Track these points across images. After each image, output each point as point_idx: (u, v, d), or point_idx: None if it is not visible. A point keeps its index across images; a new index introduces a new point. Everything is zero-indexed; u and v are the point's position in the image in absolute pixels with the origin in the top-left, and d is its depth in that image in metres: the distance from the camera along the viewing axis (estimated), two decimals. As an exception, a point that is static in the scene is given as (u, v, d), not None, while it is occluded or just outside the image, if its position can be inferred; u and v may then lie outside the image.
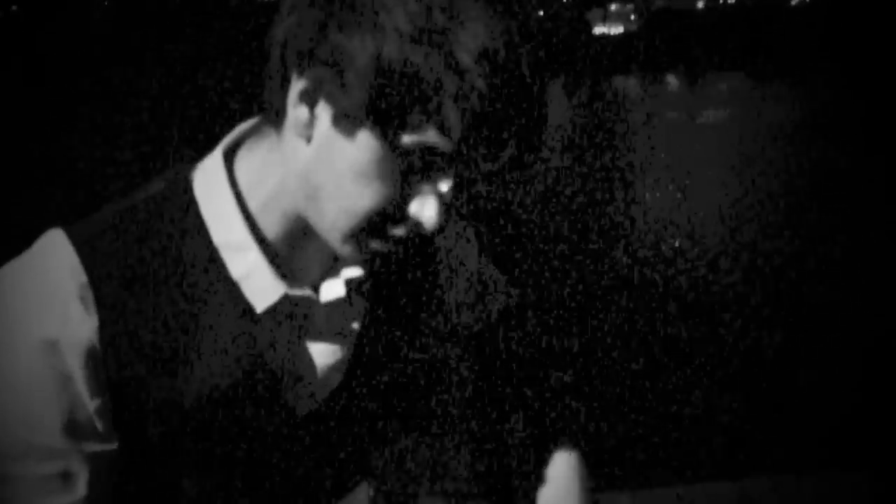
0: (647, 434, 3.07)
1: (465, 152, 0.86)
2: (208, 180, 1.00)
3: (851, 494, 3.19)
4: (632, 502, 3.04)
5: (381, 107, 0.85)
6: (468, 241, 1.25)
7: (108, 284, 0.95)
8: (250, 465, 1.04)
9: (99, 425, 0.96)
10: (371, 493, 1.08)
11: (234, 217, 0.99)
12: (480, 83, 0.83)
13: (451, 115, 0.84)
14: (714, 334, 3.31)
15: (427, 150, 0.87)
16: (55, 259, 0.95)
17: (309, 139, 0.91)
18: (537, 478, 1.25)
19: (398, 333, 1.13)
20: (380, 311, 1.11)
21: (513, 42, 0.84)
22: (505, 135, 0.86)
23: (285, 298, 1.01)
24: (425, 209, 0.92)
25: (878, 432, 3.09)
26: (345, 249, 0.96)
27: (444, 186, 0.91)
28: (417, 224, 0.97)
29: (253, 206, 1.00)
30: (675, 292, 3.34)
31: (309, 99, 0.89)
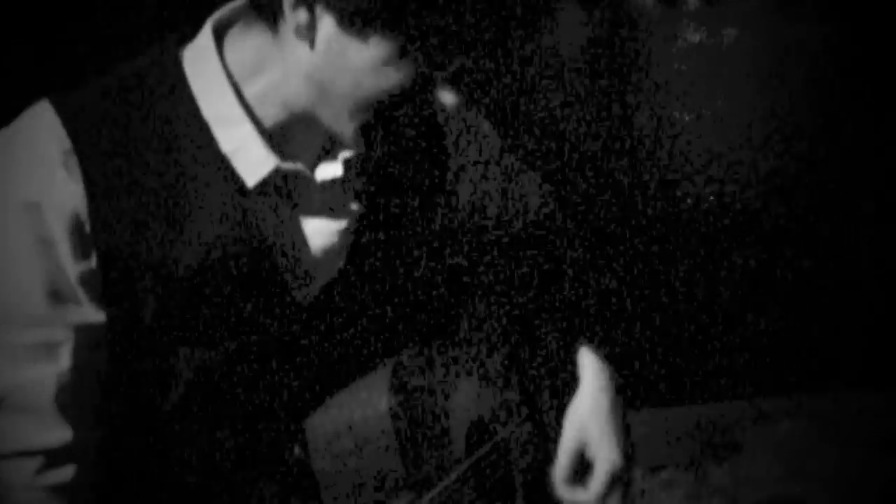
0: (664, 353, 3.17)
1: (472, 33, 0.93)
2: (198, 56, 1.01)
3: (865, 413, 3.28)
4: (650, 419, 3.17)
5: (391, 5, 0.89)
6: (481, 140, 1.25)
7: (93, 153, 0.96)
8: (246, 343, 1.04)
9: (83, 294, 0.97)
10: (389, 394, 1.07)
11: (226, 93, 0.99)
12: None
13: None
14: (738, 254, 3.35)
15: (440, 37, 0.92)
16: (40, 128, 0.96)
17: (312, 42, 0.93)
18: (566, 383, 1.23)
19: (401, 219, 1.13)
20: (381, 193, 1.10)
21: None
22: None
23: (277, 172, 1.01)
24: (442, 95, 0.98)
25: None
26: (351, 138, 1.00)
27: (456, 71, 0.96)
28: (431, 110, 1.04)
29: (248, 93, 1.00)
30: (699, 213, 3.37)
31: (306, 2, 0.91)
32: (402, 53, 0.92)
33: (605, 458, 1.16)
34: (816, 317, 3.27)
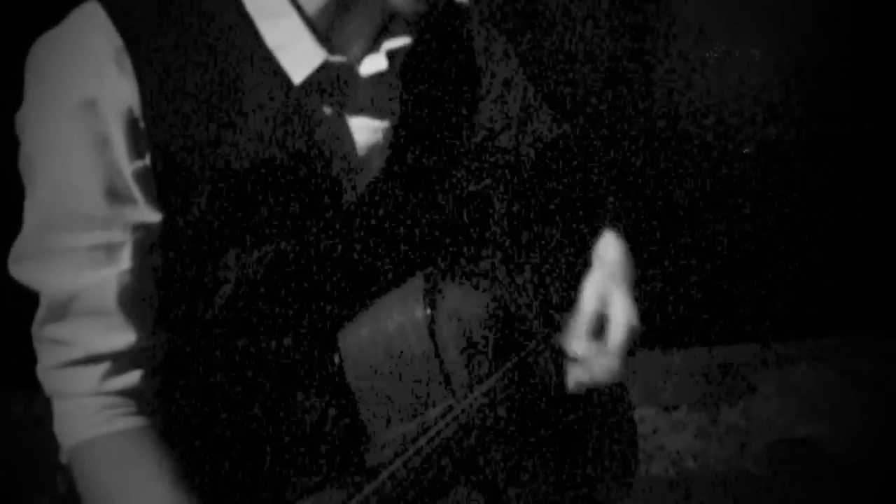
0: (679, 294, 3.17)
1: None
2: None
3: (880, 356, 3.28)
4: (664, 359, 3.19)
5: None
6: (507, 56, 1.26)
7: (143, 50, 0.95)
8: (291, 244, 1.04)
9: (140, 193, 0.97)
10: (428, 310, 1.06)
11: None
12: None
13: None
14: (755, 196, 3.35)
15: None
16: (91, 26, 0.95)
17: None
18: (581, 267, 1.26)
19: (439, 122, 1.13)
20: (420, 94, 1.11)
21: None
22: None
23: (325, 65, 1.00)
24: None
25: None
26: (406, 4, 0.97)
27: None
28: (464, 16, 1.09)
29: None
30: (719, 152, 3.36)
31: None
32: None
33: (624, 316, 1.19)
34: (832, 261, 3.26)
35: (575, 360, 1.19)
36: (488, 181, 1.28)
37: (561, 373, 1.21)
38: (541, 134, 1.35)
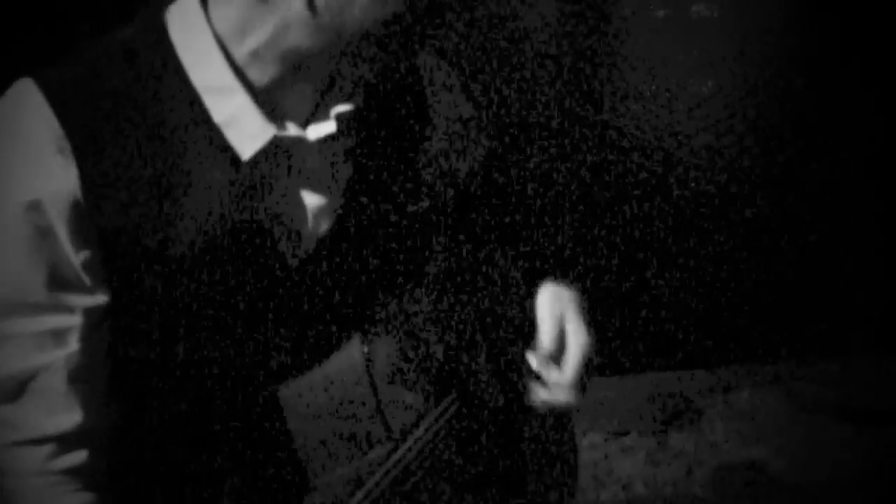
0: (628, 322, 3.25)
1: None
2: (184, 20, 0.96)
3: (822, 381, 3.39)
4: (614, 386, 3.24)
5: None
6: (452, 88, 1.26)
7: (84, 133, 0.92)
8: (244, 316, 1.03)
9: (86, 279, 0.95)
10: (365, 348, 1.06)
11: (217, 60, 0.95)
12: None
13: None
14: (699, 227, 3.44)
15: None
16: (27, 111, 0.92)
17: None
18: (529, 308, 1.26)
19: (387, 176, 1.11)
20: (369, 150, 1.09)
21: None
22: None
23: (274, 141, 0.97)
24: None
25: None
26: (352, 80, 0.99)
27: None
28: (414, 67, 1.09)
29: (238, 54, 0.96)
30: (662, 186, 3.44)
31: None
32: None
33: (581, 341, 1.20)
34: (774, 289, 3.37)
35: (537, 380, 1.19)
36: (425, 203, 1.24)
37: (510, 398, 1.22)
38: (479, 157, 1.33)
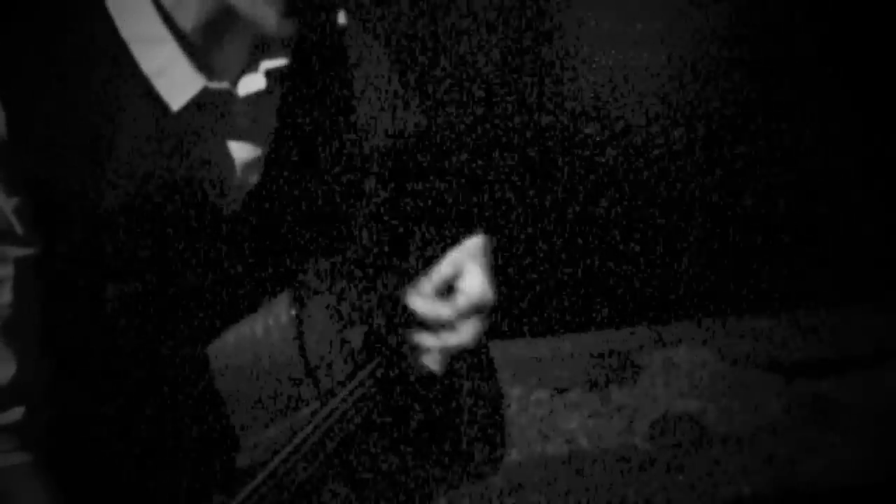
0: (570, 282, 3.33)
1: None
2: None
3: (753, 336, 3.54)
4: (558, 344, 3.35)
5: None
6: (380, 63, 1.27)
7: (11, 82, 0.92)
8: (172, 268, 1.03)
9: (17, 227, 0.94)
10: (294, 308, 1.05)
11: (147, 8, 0.95)
12: None
13: None
14: (635, 188, 3.55)
15: None
16: None
17: None
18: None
19: (312, 136, 1.12)
20: (296, 109, 1.10)
21: None
22: None
23: (205, 92, 0.98)
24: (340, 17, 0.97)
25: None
26: (273, 26, 0.97)
27: None
28: (336, 30, 1.08)
29: (168, 3, 0.96)
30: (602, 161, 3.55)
31: None
32: None
33: (476, 284, 1.16)
34: (707, 249, 3.50)
35: (422, 321, 1.16)
36: (354, 175, 1.24)
37: (418, 357, 1.19)
38: (406, 128, 1.33)
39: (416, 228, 1.31)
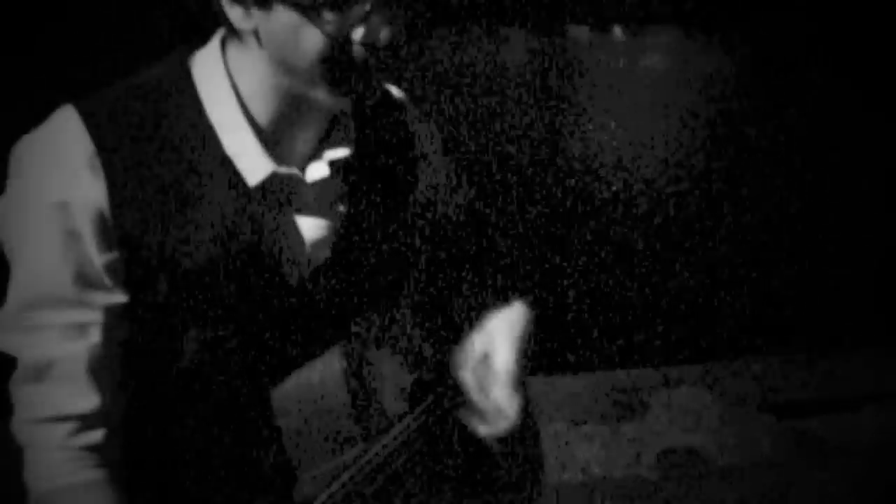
0: (585, 327, 3.56)
1: None
2: (206, 65, 1.06)
3: (748, 378, 3.72)
4: (575, 382, 3.51)
5: None
6: (432, 138, 1.31)
7: (114, 153, 0.99)
8: (244, 323, 1.08)
9: (108, 280, 1.01)
10: (345, 360, 1.11)
11: (229, 99, 1.04)
12: None
13: None
14: (645, 245, 3.77)
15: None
16: (66, 131, 0.99)
17: (255, 35, 1.00)
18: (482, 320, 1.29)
19: (376, 216, 1.18)
20: (360, 194, 1.16)
21: None
22: None
23: (274, 176, 1.05)
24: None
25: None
26: (325, 91, 1.02)
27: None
28: (398, 113, 1.16)
29: (244, 91, 1.05)
30: (613, 209, 3.78)
31: (236, 7, 0.98)
32: (308, 15, 0.97)
33: (502, 357, 1.23)
34: (709, 301, 3.74)
35: (471, 387, 1.23)
36: (408, 240, 1.28)
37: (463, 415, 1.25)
38: (457, 204, 1.39)
39: (460, 294, 1.37)
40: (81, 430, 1.04)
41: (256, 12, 0.98)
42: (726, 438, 3.32)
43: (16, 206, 1.00)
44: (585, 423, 3.37)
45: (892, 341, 3.72)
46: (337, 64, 1.00)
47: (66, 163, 0.98)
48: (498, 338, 1.26)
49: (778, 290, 3.90)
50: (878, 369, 3.71)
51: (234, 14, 1.00)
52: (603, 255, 3.86)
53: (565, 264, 3.67)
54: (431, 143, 1.30)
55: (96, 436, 1.05)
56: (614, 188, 3.70)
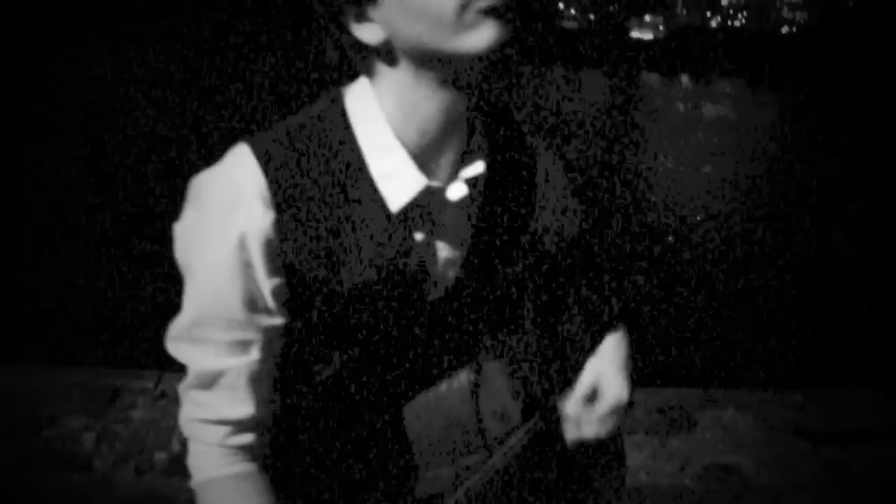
0: (647, 346, 3.75)
1: None
2: (358, 98, 1.08)
3: (787, 406, 3.82)
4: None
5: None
6: (554, 159, 1.33)
7: (281, 187, 1.03)
8: (385, 342, 1.13)
9: (272, 304, 1.07)
10: (472, 375, 1.16)
11: (382, 126, 1.06)
12: None
13: None
14: (705, 275, 3.97)
15: None
16: (241, 168, 1.04)
17: (389, 61, 1.04)
18: (589, 352, 1.35)
19: (504, 235, 1.20)
20: (490, 211, 1.18)
21: None
22: None
23: (426, 190, 1.08)
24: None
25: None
26: (466, 71, 1.03)
27: None
28: (529, 146, 1.19)
29: (392, 113, 1.07)
30: (678, 241, 3.98)
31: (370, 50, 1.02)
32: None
33: (614, 391, 1.31)
34: (756, 332, 3.92)
35: (570, 420, 1.29)
36: (522, 270, 1.31)
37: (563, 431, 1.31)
38: (574, 220, 1.41)
39: (569, 316, 1.42)
40: (237, 432, 1.13)
41: (379, 5, 0.99)
42: (765, 460, 3.43)
43: (195, 233, 1.06)
44: (635, 433, 3.48)
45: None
46: (469, 12, 0.97)
47: (241, 196, 1.03)
48: (609, 369, 1.32)
49: (821, 327, 4.09)
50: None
51: (365, 33, 1.01)
52: (665, 283, 4.08)
53: (633, 291, 3.89)
54: (554, 164, 1.33)
55: (249, 437, 1.14)
56: (673, 220, 3.91)
